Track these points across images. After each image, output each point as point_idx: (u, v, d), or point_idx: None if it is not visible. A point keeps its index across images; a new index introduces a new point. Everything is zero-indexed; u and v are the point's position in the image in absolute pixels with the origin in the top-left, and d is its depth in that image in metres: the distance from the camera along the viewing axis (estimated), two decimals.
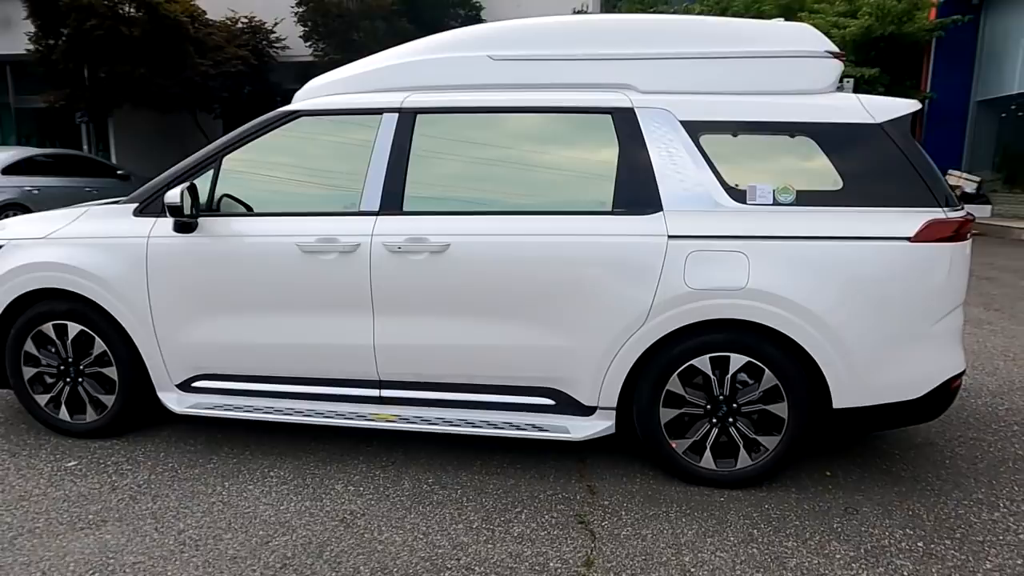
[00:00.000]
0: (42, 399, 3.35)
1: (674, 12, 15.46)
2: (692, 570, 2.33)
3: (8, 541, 2.51)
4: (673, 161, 2.79)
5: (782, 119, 2.77)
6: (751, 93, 2.84)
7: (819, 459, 3.09)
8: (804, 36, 2.92)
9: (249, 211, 3.19)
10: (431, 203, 2.97)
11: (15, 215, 9.27)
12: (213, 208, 3.12)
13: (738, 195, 2.75)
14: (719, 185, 2.76)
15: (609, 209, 2.82)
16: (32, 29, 12.14)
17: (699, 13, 16.18)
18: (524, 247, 2.84)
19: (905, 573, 2.30)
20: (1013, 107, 14.24)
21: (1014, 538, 2.51)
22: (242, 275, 3.05)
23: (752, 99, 2.83)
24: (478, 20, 14.00)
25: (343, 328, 2.99)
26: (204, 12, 13.08)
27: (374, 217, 2.94)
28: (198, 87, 12.62)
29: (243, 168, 3.17)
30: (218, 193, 3.13)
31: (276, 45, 14.29)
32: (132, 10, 11.20)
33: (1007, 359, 4.63)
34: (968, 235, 2.77)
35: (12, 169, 9.58)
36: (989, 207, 13.36)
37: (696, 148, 2.79)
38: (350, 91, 3.21)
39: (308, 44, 13.54)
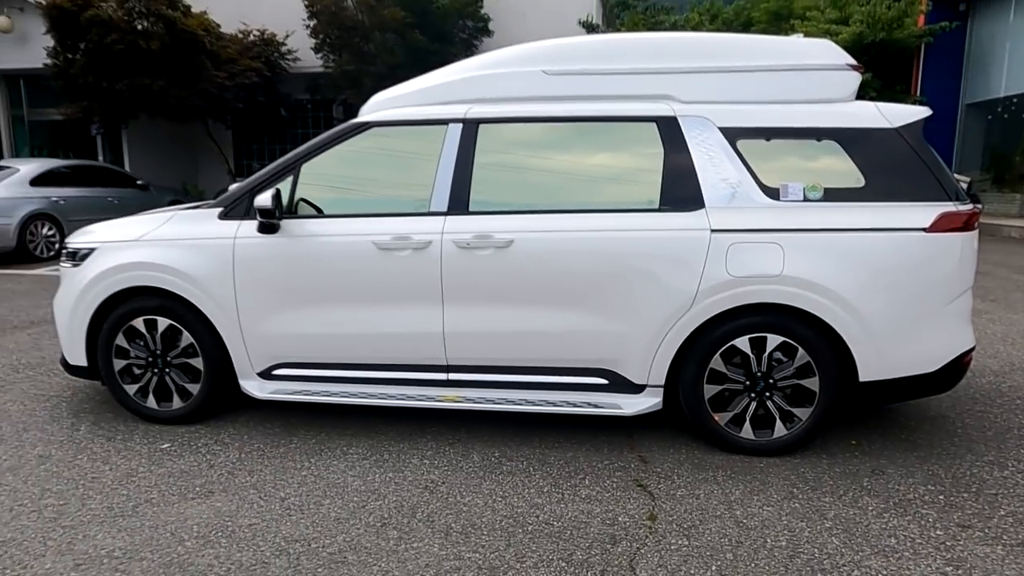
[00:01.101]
0: (131, 389, 3.64)
1: (673, 22, 15.90)
2: (744, 521, 2.65)
3: (131, 509, 2.80)
4: (713, 163, 3.13)
5: (810, 125, 3.12)
6: (781, 102, 3.19)
7: (845, 431, 3.43)
8: (827, 51, 3.28)
9: (322, 214, 3.50)
10: (494, 204, 3.29)
11: (44, 226, 9.56)
12: (292, 211, 3.44)
13: (772, 193, 3.09)
14: (755, 184, 3.10)
15: (657, 207, 3.16)
16: (49, 44, 12.39)
17: (696, 24, 16.65)
18: (581, 242, 3.17)
19: (931, 519, 2.64)
20: (1000, 109, 14.75)
21: (1023, 491, 2.85)
22: (322, 271, 3.36)
23: (782, 107, 3.17)
24: (486, 31, 14.39)
25: (415, 317, 3.30)
26: (219, 26, 13.40)
27: (443, 217, 3.26)
28: (214, 98, 12.91)
29: (320, 174, 3.48)
30: (296, 198, 3.45)
31: (288, 57, 14.61)
32: (149, 24, 11.48)
33: (1007, 343, 5.00)
34: (976, 225, 3.11)
35: (38, 181, 9.84)
36: (980, 206, 13.79)
37: (733, 151, 3.13)
38: (415, 104, 3.53)
39: (319, 55, 13.86)
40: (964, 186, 10.70)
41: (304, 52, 14.34)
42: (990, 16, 14.91)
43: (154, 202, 10.79)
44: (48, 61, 12.54)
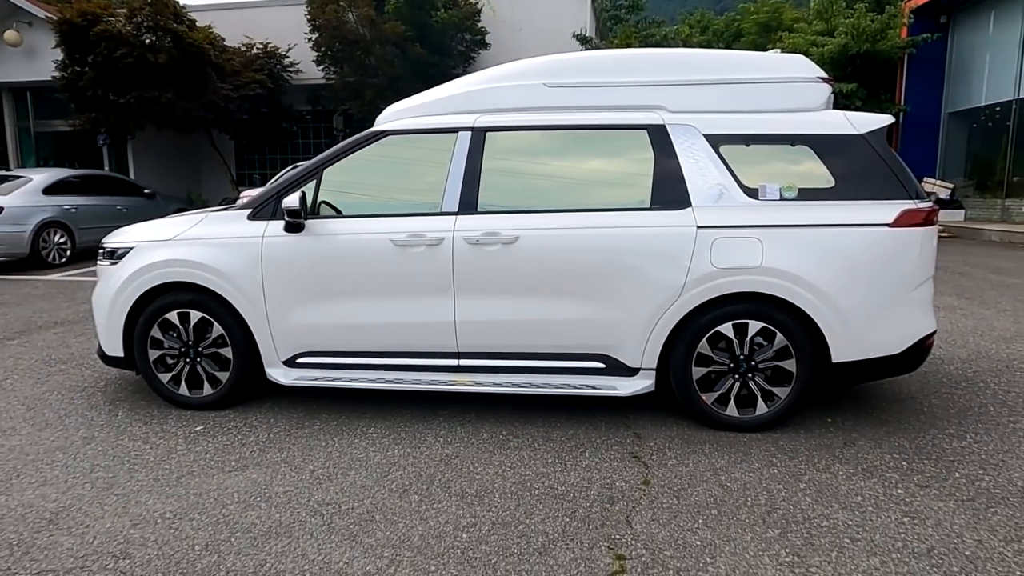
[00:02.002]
0: (164, 377, 3.94)
1: (664, 34, 16.35)
2: (728, 484, 2.97)
3: (175, 480, 3.10)
4: (699, 166, 3.47)
5: (785, 132, 3.47)
6: (759, 111, 3.54)
7: (820, 410, 3.75)
8: (801, 65, 3.63)
9: (341, 214, 3.82)
10: (501, 204, 3.62)
11: (56, 233, 9.84)
12: (315, 212, 3.75)
13: (751, 192, 3.43)
14: (736, 185, 3.44)
15: (648, 205, 3.49)
16: (57, 57, 12.71)
17: (686, 36, 17.11)
18: (580, 238, 3.49)
19: (894, 481, 2.96)
20: (982, 118, 15.22)
21: (977, 457, 3.18)
22: (343, 266, 3.68)
23: (760, 116, 3.52)
24: (483, 44, 14.80)
25: (429, 308, 3.62)
26: (223, 39, 13.77)
27: (454, 216, 3.59)
28: (219, 109, 13.26)
29: (340, 179, 3.80)
30: (319, 200, 3.77)
31: (290, 69, 14.98)
32: (157, 38, 11.82)
33: (976, 335, 5.35)
34: (934, 222, 3.45)
35: (51, 190, 10.13)
36: (962, 211, 14.26)
37: (717, 156, 3.47)
38: (427, 114, 3.86)
39: (321, 68, 14.23)
40: (947, 192, 11.24)
41: (306, 64, 14.73)
42: (969, 28, 15.41)
43: (160, 210, 11.07)
44: (56, 74, 12.87)
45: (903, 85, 15.89)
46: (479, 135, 3.66)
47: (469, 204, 3.59)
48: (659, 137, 3.53)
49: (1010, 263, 9.27)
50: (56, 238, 10.05)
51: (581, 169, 3.72)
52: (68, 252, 10.18)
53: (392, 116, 4.00)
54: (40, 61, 14.05)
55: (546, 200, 3.66)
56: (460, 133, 3.68)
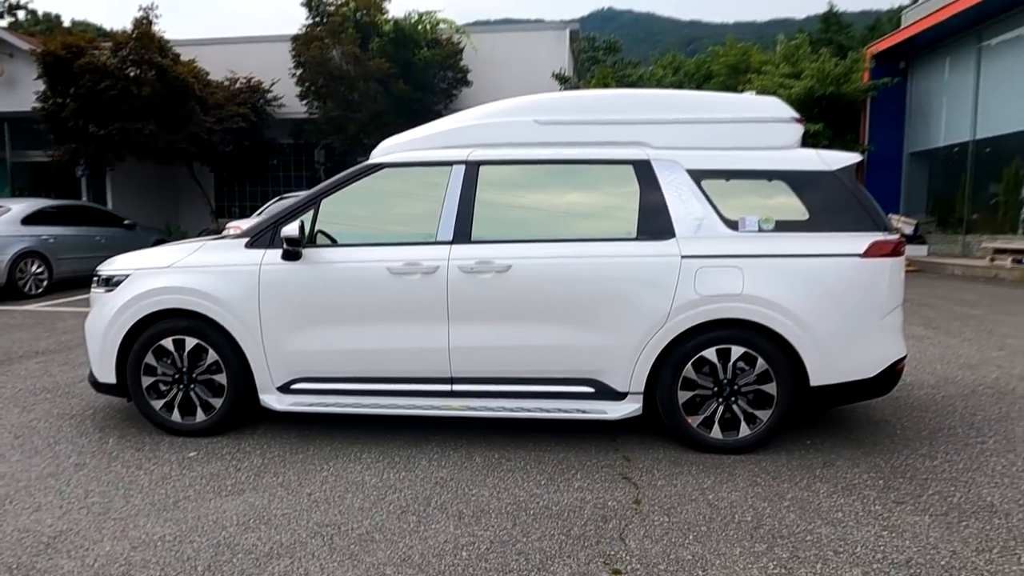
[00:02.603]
0: (157, 404, 3.96)
1: (640, 75, 16.92)
2: (715, 503, 3.08)
3: (172, 504, 3.12)
4: (682, 199, 3.66)
5: (762, 168, 3.69)
6: (738, 148, 3.76)
7: (800, 433, 3.91)
8: (775, 106, 3.88)
9: (336, 243, 3.92)
10: (494, 234, 3.75)
11: (33, 263, 9.74)
12: (312, 241, 3.86)
13: (732, 224, 3.63)
14: (717, 217, 3.64)
15: (635, 236, 3.66)
16: (38, 89, 12.73)
17: (660, 76, 17.71)
18: (570, 266, 3.64)
19: (871, 498, 3.10)
20: (941, 158, 15.94)
21: (948, 475, 3.35)
22: (340, 294, 3.77)
23: (739, 153, 3.74)
24: (465, 82, 15.17)
25: (424, 334, 3.72)
26: (207, 73, 13.92)
27: (449, 245, 3.72)
28: (202, 142, 13.33)
29: (338, 209, 3.92)
30: (316, 229, 3.88)
31: (273, 103, 15.15)
32: (141, 71, 11.92)
33: (943, 363, 5.59)
34: (902, 252, 3.68)
35: (29, 220, 10.06)
36: (926, 247, 14.80)
37: (699, 190, 3.67)
38: (422, 148, 4.02)
39: (304, 102, 14.43)
40: (911, 228, 11.73)
41: (289, 99, 14.93)
42: (927, 74, 16.24)
43: (140, 241, 11.04)
44: (37, 105, 12.86)
45: (867, 126, 16.61)
46: (473, 168, 3.82)
47: (463, 234, 3.73)
48: (644, 172, 3.72)
49: (972, 295, 9.67)
50: (33, 268, 9.94)
51: (570, 201, 3.89)
52: (45, 282, 10.06)
53: (388, 149, 4.14)
54: (20, 92, 14.03)
55: (537, 230, 3.81)
56: (455, 166, 3.84)
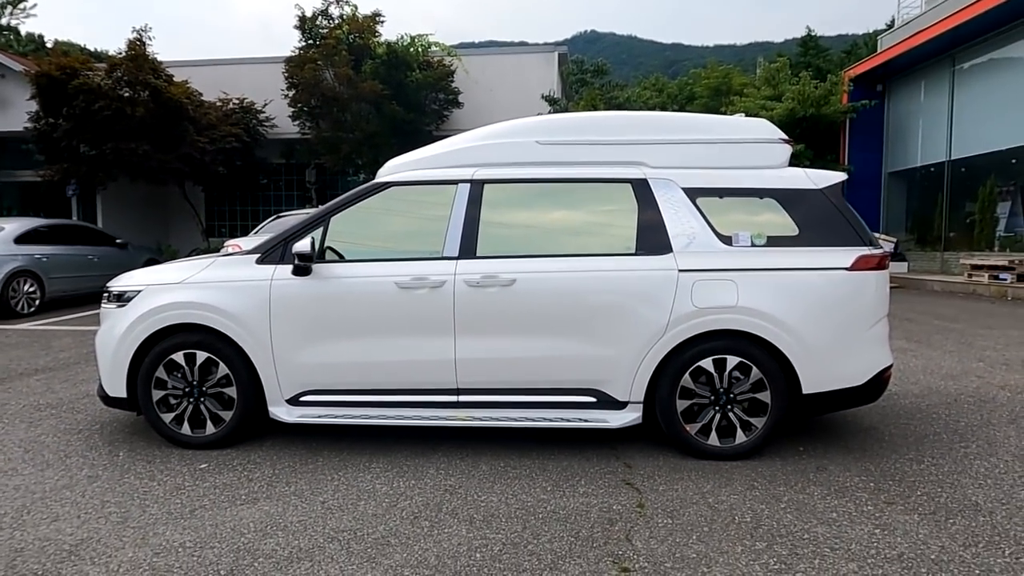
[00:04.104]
0: (167, 417, 4.03)
1: (626, 97, 17.29)
2: (716, 505, 3.22)
3: (189, 513, 3.19)
4: (678, 216, 3.84)
5: (754, 186, 3.88)
6: (730, 167, 3.95)
7: (793, 440, 4.06)
8: (765, 128, 4.09)
9: (342, 259, 4.04)
10: (499, 250, 3.90)
11: (26, 282, 9.73)
12: (321, 257, 3.98)
13: (726, 240, 3.80)
14: (712, 233, 3.81)
15: (634, 251, 3.83)
16: (31, 109, 12.77)
17: (646, 98, 18.10)
18: (573, 280, 3.79)
19: (863, 499, 3.25)
20: (919, 177, 16.40)
21: (935, 477, 3.51)
22: (349, 308, 3.89)
23: (731, 172, 3.93)
24: (456, 104, 15.42)
25: (431, 347, 3.84)
26: (201, 94, 14.04)
27: (455, 261, 3.86)
28: (195, 162, 13.42)
29: (346, 226, 4.05)
30: (325, 245, 4.00)
31: (266, 123, 15.29)
32: (134, 93, 12.02)
33: (926, 374, 5.80)
34: (886, 266, 3.87)
35: (22, 239, 10.06)
36: (906, 264, 15.19)
37: (694, 207, 3.85)
38: (427, 167, 4.17)
39: (296, 123, 14.58)
40: (891, 246, 12.11)
41: (281, 119, 15.08)
42: (904, 97, 16.77)
43: (132, 260, 11.07)
44: (29, 125, 12.89)
45: (846, 146, 17.08)
46: (478, 186, 3.97)
47: (469, 249, 3.87)
48: (642, 190, 3.90)
49: (951, 310, 9.96)
50: (26, 287, 9.92)
51: (571, 218, 4.06)
52: (37, 301, 10.04)
53: (395, 169, 4.29)
54: (12, 112, 14.06)
55: (540, 246, 3.97)
56: (460, 184, 3.99)
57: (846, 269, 3.72)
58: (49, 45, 37.63)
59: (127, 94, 12.01)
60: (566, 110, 15.79)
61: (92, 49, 35.41)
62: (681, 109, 18.69)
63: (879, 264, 3.80)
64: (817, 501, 3.25)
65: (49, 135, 12.47)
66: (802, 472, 3.61)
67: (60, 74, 11.88)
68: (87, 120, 11.80)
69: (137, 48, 12.76)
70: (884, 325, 3.89)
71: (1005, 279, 11.57)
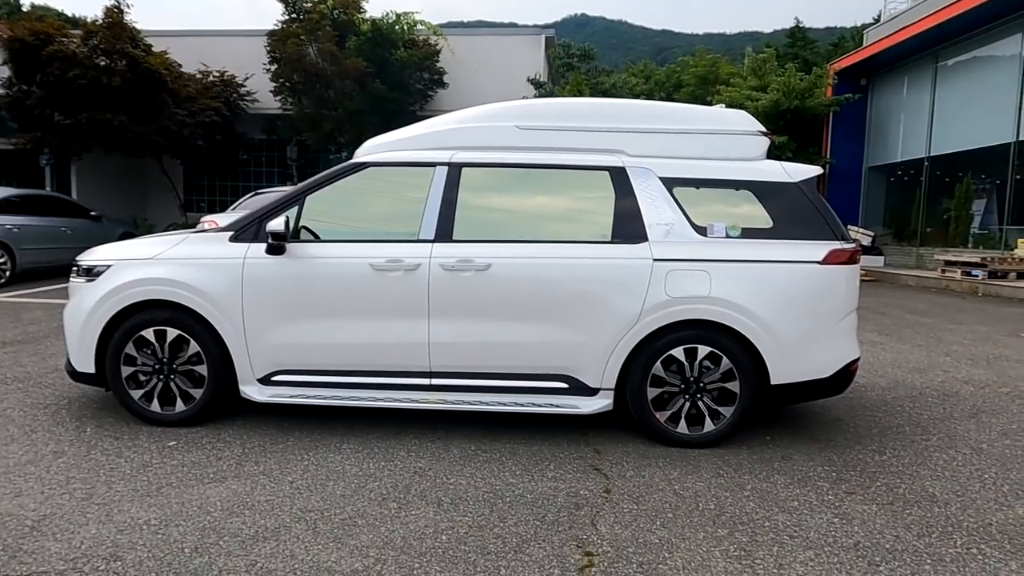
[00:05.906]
0: (136, 394, 3.99)
1: (613, 83, 17.23)
2: (681, 492, 3.27)
3: (155, 490, 3.17)
4: (654, 205, 3.85)
5: (730, 177, 3.90)
6: (708, 158, 3.96)
7: (760, 429, 4.13)
8: (744, 120, 4.10)
9: (317, 238, 4.01)
10: (475, 234, 3.89)
11: None
12: (295, 236, 3.94)
13: (701, 230, 3.83)
14: (687, 223, 3.83)
15: (609, 239, 3.84)
16: (3, 75, 12.43)
17: (632, 86, 18.06)
18: (548, 267, 3.80)
19: (825, 489, 3.32)
20: (898, 172, 16.59)
21: (895, 469, 3.59)
22: (322, 288, 3.86)
23: (709, 163, 3.95)
24: (441, 84, 15.26)
25: (404, 329, 3.83)
26: (180, 65, 13.74)
27: (431, 244, 3.84)
28: (173, 135, 13.15)
29: (322, 206, 4.01)
30: (300, 225, 3.96)
31: (247, 98, 15.02)
32: (111, 62, 11.73)
33: (894, 367, 5.91)
34: (858, 260, 3.92)
35: None
36: (882, 258, 15.40)
37: (671, 196, 3.86)
38: (405, 149, 4.13)
39: (278, 98, 14.35)
40: (869, 240, 12.28)
41: (263, 94, 14.82)
42: (886, 92, 16.90)
43: (107, 233, 10.88)
44: (1, 91, 12.54)
45: (829, 139, 17.21)
46: (455, 170, 3.95)
47: (445, 233, 3.86)
48: (619, 178, 3.90)
49: (924, 305, 10.14)
50: None
51: (548, 204, 4.05)
52: (8, 273, 9.84)
53: (372, 149, 4.25)
54: None
55: (516, 231, 3.96)
56: (437, 167, 3.96)
57: (818, 263, 3.77)
58: (25, 8, 36.58)
59: (103, 63, 11.72)
60: (552, 94, 15.73)
61: (69, 15, 34.43)
62: (668, 97, 18.70)
63: (850, 258, 3.85)
64: (780, 490, 3.31)
65: (22, 102, 12.15)
66: (767, 461, 3.67)
67: (34, 40, 11.53)
68: (61, 88, 11.51)
69: (115, 16, 12.43)
70: (853, 318, 3.95)
71: (977, 275, 11.79)
